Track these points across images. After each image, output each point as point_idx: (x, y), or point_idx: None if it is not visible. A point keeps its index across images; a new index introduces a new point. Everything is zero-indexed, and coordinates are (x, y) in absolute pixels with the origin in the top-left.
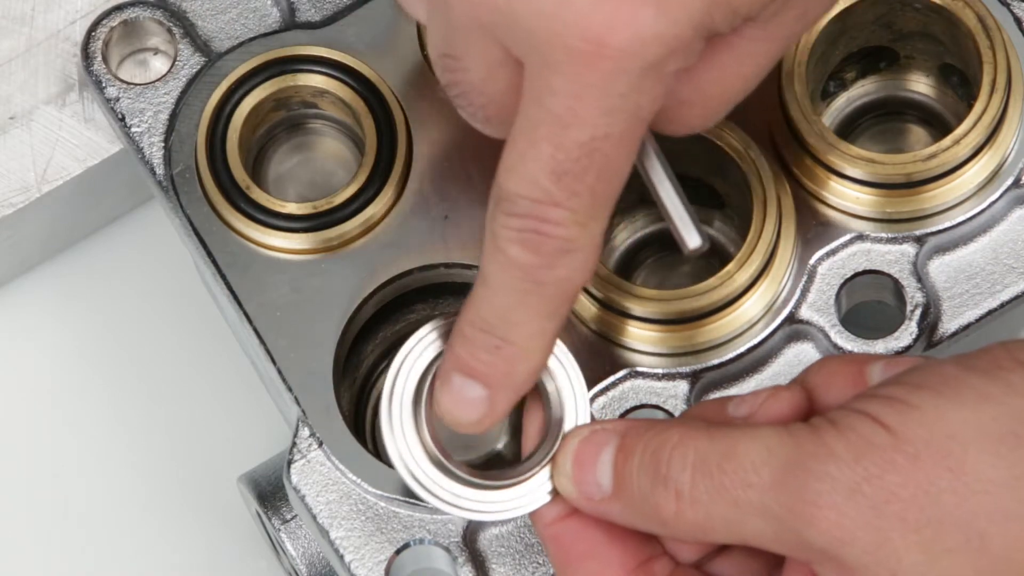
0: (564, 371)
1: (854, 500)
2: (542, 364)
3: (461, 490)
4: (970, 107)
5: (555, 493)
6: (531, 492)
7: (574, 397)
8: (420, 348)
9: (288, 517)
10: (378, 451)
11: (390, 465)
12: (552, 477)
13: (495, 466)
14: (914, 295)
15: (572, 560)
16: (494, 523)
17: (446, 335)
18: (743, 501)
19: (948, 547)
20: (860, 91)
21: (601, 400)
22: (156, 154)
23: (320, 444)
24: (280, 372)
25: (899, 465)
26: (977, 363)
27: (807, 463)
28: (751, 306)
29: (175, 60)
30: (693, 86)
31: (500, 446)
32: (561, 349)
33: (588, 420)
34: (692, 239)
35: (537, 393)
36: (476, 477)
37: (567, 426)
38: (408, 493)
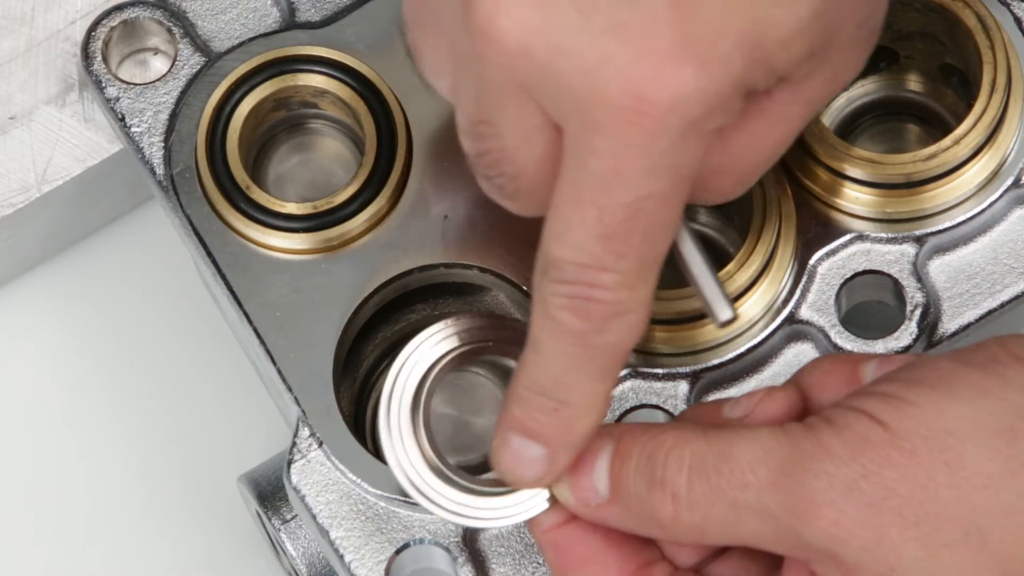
0: None
1: (852, 497)
2: (600, 419)
3: (460, 497)
4: (970, 107)
5: (554, 499)
6: (530, 498)
7: None
8: (417, 356)
9: (288, 517)
10: (378, 451)
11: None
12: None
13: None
14: (914, 295)
15: (571, 566)
16: None
17: (442, 341)
18: (740, 502)
19: (947, 542)
20: (860, 91)
21: None
22: (156, 154)
23: (320, 444)
24: (280, 372)
25: (896, 461)
26: (973, 358)
27: (804, 462)
28: (751, 306)
29: (175, 60)
30: (728, 153)
31: None
32: None
33: None
34: (723, 312)
35: None
36: (475, 484)
37: None
38: (407, 495)
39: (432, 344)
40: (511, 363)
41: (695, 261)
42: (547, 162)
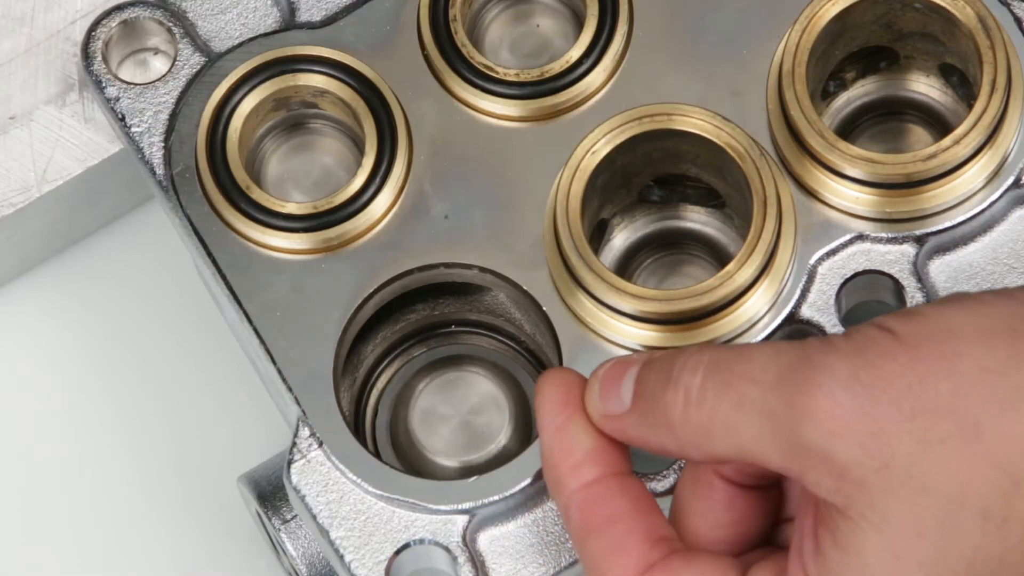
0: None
1: (850, 388)
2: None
3: None
4: (970, 107)
5: None
6: None
7: None
8: None
9: (288, 517)
10: (378, 451)
11: (390, 465)
12: (584, 399)
13: (499, 464)
14: (914, 295)
15: (596, 525)
16: (494, 522)
17: None
18: (746, 399)
19: (941, 436)
20: (860, 91)
21: None
22: (156, 154)
23: (320, 444)
24: (280, 372)
25: (898, 356)
26: (978, 295)
27: (811, 357)
28: (751, 306)
29: (175, 60)
30: None
31: (504, 442)
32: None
33: None
34: None
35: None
36: None
37: None
38: (408, 493)
39: None
40: (511, 362)
41: None
42: None
